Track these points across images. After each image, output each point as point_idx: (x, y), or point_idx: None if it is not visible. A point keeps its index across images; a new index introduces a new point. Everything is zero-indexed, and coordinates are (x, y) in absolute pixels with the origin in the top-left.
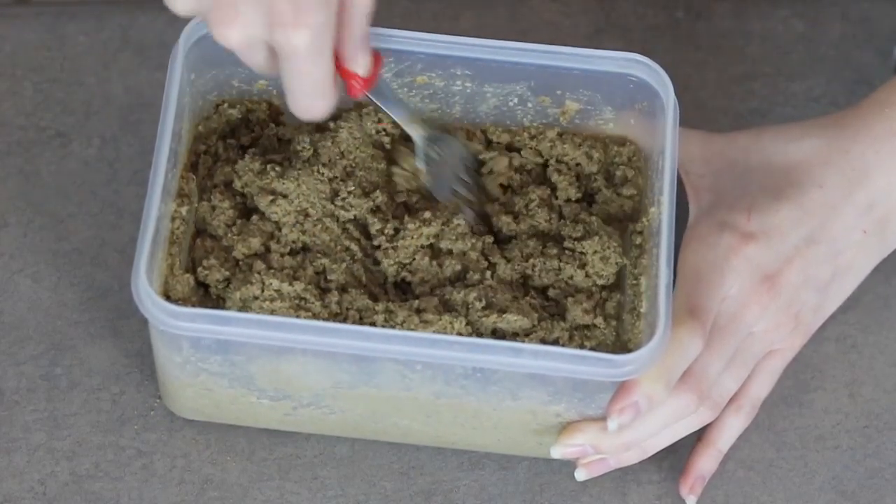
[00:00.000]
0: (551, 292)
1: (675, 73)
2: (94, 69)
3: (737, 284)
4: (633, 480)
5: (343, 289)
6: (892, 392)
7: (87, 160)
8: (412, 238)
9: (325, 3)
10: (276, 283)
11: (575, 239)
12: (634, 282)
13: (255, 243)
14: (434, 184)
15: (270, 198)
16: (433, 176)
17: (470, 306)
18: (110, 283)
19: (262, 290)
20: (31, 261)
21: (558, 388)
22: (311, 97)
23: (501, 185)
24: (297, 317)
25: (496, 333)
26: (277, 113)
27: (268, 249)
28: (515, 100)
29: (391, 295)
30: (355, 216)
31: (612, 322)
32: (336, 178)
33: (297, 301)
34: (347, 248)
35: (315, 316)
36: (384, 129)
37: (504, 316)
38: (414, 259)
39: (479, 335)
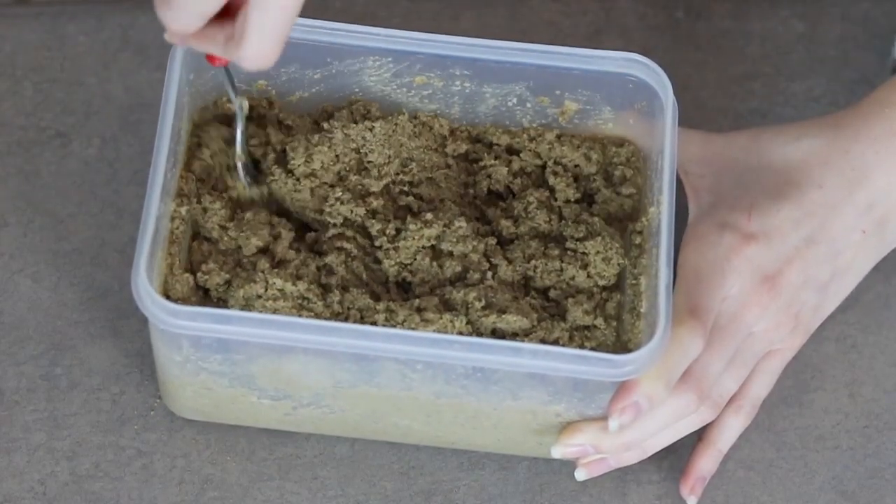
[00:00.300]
0: (552, 293)
1: (674, 73)
2: (94, 69)
3: (737, 284)
4: (633, 480)
5: (345, 288)
6: (892, 392)
7: (87, 160)
8: (413, 239)
9: None
10: (279, 283)
11: (577, 239)
12: (634, 282)
13: (264, 235)
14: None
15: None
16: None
17: (469, 306)
18: (110, 283)
19: (266, 289)
20: (31, 261)
21: (558, 388)
22: (274, 41)
23: (500, 190)
24: (299, 316)
25: (496, 333)
26: (278, 113)
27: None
28: (514, 100)
29: (392, 294)
30: (355, 216)
31: (612, 322)
32: (326, 184)
33: (299, 301)
34: (349, 248)
35: (317, 315)
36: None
37: (503, 316)
38: (415, 260)
39: (479, 335)
